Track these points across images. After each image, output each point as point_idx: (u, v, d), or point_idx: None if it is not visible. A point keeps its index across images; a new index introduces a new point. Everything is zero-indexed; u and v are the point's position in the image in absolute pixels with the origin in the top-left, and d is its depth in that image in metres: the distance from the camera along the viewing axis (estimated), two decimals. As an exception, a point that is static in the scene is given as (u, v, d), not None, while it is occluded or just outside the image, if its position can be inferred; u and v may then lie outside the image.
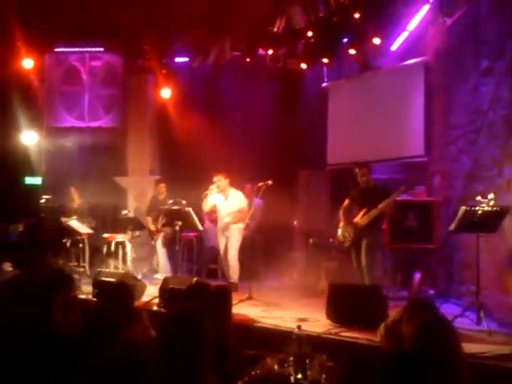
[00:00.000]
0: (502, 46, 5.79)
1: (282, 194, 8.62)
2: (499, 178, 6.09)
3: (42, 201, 9.56)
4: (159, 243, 8.81)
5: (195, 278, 6.17)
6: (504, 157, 5.97)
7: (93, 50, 10.47)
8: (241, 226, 7.92)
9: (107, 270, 8.20)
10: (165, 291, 6.51)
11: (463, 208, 5.70)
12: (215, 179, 7.95)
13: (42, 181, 10.74)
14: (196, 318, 2.92)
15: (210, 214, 8.35)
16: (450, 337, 2.79)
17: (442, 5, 5.86)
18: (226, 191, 8.05)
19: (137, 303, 6.04)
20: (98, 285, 6.91)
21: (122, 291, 4.51)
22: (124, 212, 9.33)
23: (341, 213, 7.07)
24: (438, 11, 6.13)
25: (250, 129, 9.83)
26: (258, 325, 5.83)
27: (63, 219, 9.08)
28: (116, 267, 8.92)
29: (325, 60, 8.39)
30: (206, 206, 8.12)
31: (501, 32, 5.78)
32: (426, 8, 6.72)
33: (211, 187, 7.96)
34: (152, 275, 8.81)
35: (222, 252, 8.09)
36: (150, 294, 6.91)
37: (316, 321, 5.93)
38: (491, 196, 5.63)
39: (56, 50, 10.44)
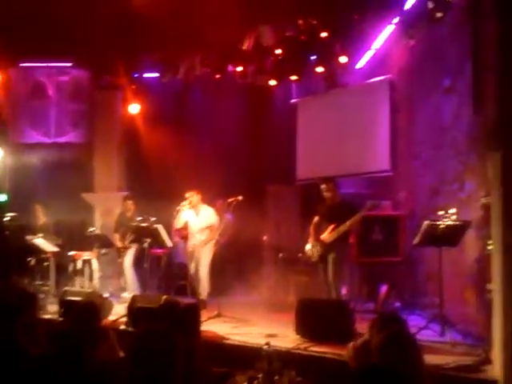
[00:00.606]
0: (462, 66, 5.97)
1: (252, 210, 8.65)
2: (461, 193, 6.26)
3: (7, 218, 9.36)
4: (127, 260, 8.74)
5: (164, 296, 6.14)
6: (465, 172, 6.14)
7: (60, 65, 10.39)
8: (211, 242, 7.95)
9: (74, 288, 8.06)
10: (133, 310, 6.44)
11: (426, 222, 5.84)
12: (187, 195, 7.97)
13: (7, 198, 10.55)
14: (166, 338, 2.94)
15: (180, 231, 8.33)
16: (414, 350, 2.87)
17: (405, 27, 6.02)
18: (198, 207, 8.08)
19: (104, 322, 5.99)
20: (64, 304, 6.82)
21: (88, 311, 4.48)
22: (91, 229, 9.24)
23: (311, 229, 7.17)
24: (401, 33, 6.30)
25: (220, 144, 9.86)
26: (228, 342, 5.83)
27: (28, 237, 8.93)
28: (82, 286, 8.79)
29: (293, 77, 8.51)
30: (178, 222, 8.12)
31: (460, 53, 5.97)
32: (390, 28, 6.90)
33: (183, 203, 7.97)
34: (119, 293, 8.71)
35: (192, 268, 8.08)
36: (118, 312, 6.84)
37: (285, 336, 5.96)
38: (453, 211, 5.79)
39: (22, 64, 10.34)
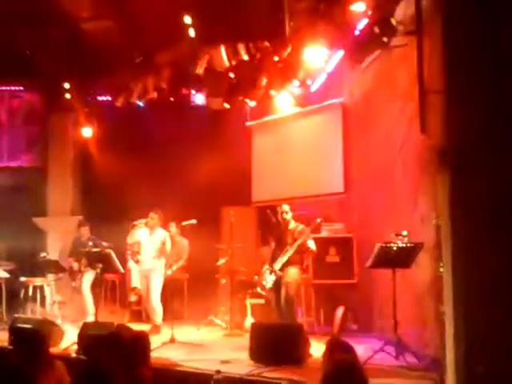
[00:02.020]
0: (412, 89, 6.08)
1: (208, 233, 8.64)
2: (413, 214, 6.33)
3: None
4: (85, 284, 8.53)
5: (116, 323, 6.01)
6: (417, 194, 6.22)
7: (12, 88, 10.24)
8: (162, 266, 7.86)
9: (24, 315, 7.86)
10: (84, 337, 6.30)
11: (378, 244, 5.87)
12: (150, 214, 7.95)
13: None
14: (107, 369, 2.87)
15: (133, 254, 8.21)
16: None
17: (354, 52, 6.12)
18: (153, 228, 8.03)
19: (54, 350, 5.84)
20: (14, 331, 6.61)
21: (35, 339, 4.37)
22: (42, 254, 9.03)
23: (269, 255, 7.16)
24: (351, 57, 6.40)
25: (175, 168, 9.79)
26: (180, 369, 5.68)
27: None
28: (34, 312, 8.57)
29: (247, 100, 8.55)
30: (131, 238, 8.04)
31: (410, 76, 6.07)
32: (341, 52, 7.00)
33: (140, 220, 7.94)
34: (72, 319, 8.48)
35: (144, 293, 7.96)
36: (73, 338, 6.65)
37: (239, 362, 5.85)
38: (405, 233, 5.85)
39: (-26, 88, 10.17)
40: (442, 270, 4.96)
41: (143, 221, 7.95)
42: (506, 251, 4.21)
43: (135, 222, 7.94)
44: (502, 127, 4.18)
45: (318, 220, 6.87)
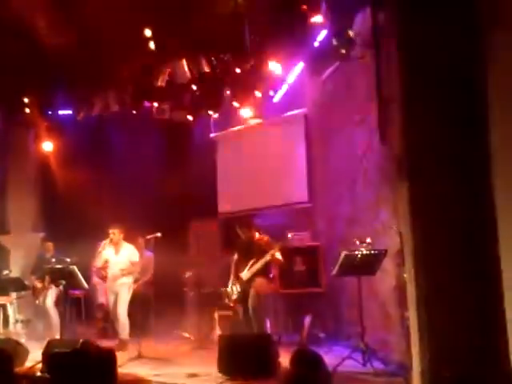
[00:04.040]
0: (372, 99, 6.19)
1: (174, 246, 8.58)
2: (375, 222, 6.42)
3: None
4: (49, 301, 8.34)
5: (81, 340, 5.91)
6: (379, 202, 6.32)
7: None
8: (130, 280, 7.79)
9: (-15, 336, 7.69)
10: (48, 355, 6.14)
11: (343, 252, 5.93)
12: (111, 231, 7.82)
13: None
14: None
15: (99, 270, 8.10)
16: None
17: (313, 63, 6.20)
18: (118, 245, 7.93)
19: (19, 370, 5.72)
20: (-25, 353, 6.45)
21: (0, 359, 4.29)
22: (5, 272, 8.83)
23: (232, 267, 7.14)
24: (311, 69, 6.48)
25: (139, 181, 9.73)
26: (147, 384, 5.67)
27: None
28: (-3, 332, 8.40)
29: (210, 112, 8.56)
30: (100, 261, 7.93)
31: (370, 86, 6.19)
32: (301, 64, 7.07)
33: (104, 242, 7.82)
34: (38, 337, 8.32)
35: (111, 308, 7.85)
36: (37, 357, 6.52)
37: (207, 375, 5.83)
38: (368, 240, 5.93)
39: None
40: (405, 276, 5.04)
41: (107, 241, 7.82)
42: (464, 256, 4.30)
43: (100, 248, 7.80)
44: (456, 137, 4.29)
45: (289, 236, 6.95)
